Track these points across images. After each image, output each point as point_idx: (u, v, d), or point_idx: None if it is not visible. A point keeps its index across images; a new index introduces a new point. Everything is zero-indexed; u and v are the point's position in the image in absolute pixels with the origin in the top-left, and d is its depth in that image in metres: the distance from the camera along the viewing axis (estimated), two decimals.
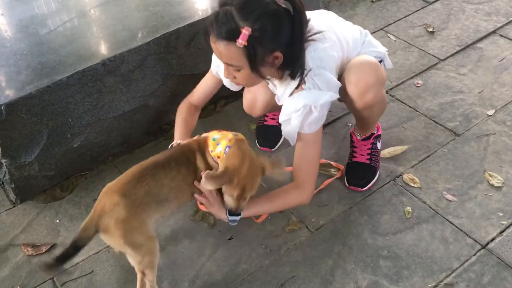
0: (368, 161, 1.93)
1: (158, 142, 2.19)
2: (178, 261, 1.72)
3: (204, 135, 1.62)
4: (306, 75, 1.52)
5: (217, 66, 1.77)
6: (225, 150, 1.51)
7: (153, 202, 1.47)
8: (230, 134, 1.56)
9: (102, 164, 2.10)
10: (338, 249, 1.72)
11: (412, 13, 2.87)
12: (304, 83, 1.53)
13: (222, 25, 1.39)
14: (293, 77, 1.54)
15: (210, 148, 1.55)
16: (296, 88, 1.56)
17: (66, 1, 2.25)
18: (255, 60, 1.43)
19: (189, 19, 2.07)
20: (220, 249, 1.75)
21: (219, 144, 1.52)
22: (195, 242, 1.78)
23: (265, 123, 2.14)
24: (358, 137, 1.93)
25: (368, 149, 1.94)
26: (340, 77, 1.66)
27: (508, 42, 2.60)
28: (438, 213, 1.80)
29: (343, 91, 1.64)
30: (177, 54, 2.06)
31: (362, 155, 1.94)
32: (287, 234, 1.78)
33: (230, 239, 1.78)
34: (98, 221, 1.39)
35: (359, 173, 1.92)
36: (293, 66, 1.51)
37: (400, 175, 1.95)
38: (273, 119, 2.12)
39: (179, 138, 1.79)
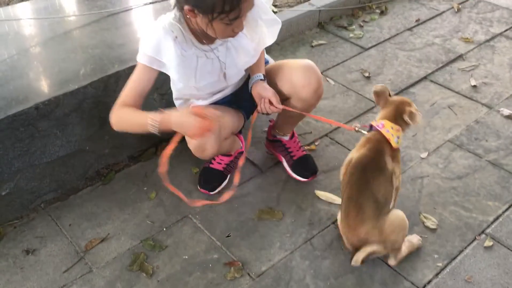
0: (306, 152, 2.16)
1: (95, 188, 2.11)
2: None
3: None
4: None
5: (157, 52, 1.65)
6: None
7: None
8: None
9: (33, 211, 1.99)
10: None
11: (349, 58, 2.99)
12: None
13: None
14: None
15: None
16: None
17: None
18: None
19: (129, 62, 2.05)
20: None
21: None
22: None
23: (211, 165, 2.12)
24: (287, 138, 2.14)
25: (298, 143, 2.16)
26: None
27: (438, 87, 2.76)
28: (378, 257, 1.82)
29: (294, 94, 1.89)
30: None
31: (298, 150, 2.14)
32: (229, 282, 1.75)
33: None
34: None
35: (307, 166, 2.12)
36: None
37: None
38: (219, 163, 2.10)
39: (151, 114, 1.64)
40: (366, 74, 2.84)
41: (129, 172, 2.19)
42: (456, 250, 1.85)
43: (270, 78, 1.93)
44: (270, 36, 1.89)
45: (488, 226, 1.94)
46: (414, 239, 1.83)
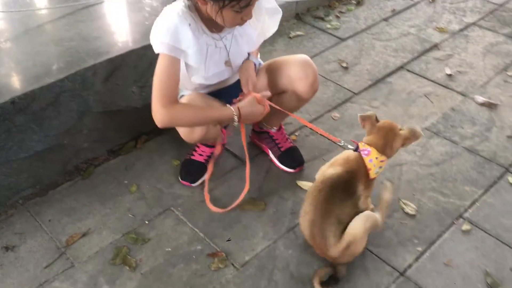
0: (293, 144, 2.19)
1: (74, 182, 2.08)
2: None
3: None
4: None
5: (175, 39, 1.61)
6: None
7: None
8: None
9: (12, 208, 1.95)
10: (264, 284, 1.71)
11: (327, 49, 3.01)
12: None
13: None
14: None
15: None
16: None
17: None
18: None
19: (106, 54, 2.02)
20: None
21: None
22: (115, 286, 1.69)
23: (192, 157, 2.11)
24: (274, 130, 2.16)
25: (285, 134, 2.18)
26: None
27: (415, 76, 2.80)
28: None
29: (290, 87, 1.92)
30: (94, 90, 1.99)
31: (285, 142, 2.16)
32: (213, 273, 1.75)
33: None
34: None
35: (294, 157, 2.15)
36: None
37: None
38: (201, 155, 2.10)
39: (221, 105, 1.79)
40: (344, 65, 2.87)
41: (109, 166, 2.17)
42: (435, 234, 1.89)
43: (269, 74, 1.94)
44: (272, 25, 1.89)
45: (466, 211, 1.99)
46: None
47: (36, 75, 1.89)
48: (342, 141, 1.83)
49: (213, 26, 1.72)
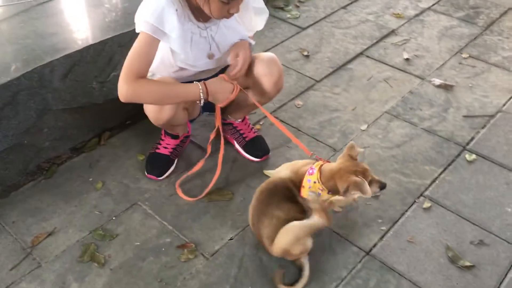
0: (257, 133, 2.22)
1: (37, 182, 2.05)
2: None
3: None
4: None
5: (159, 21, 1.62)
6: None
7: None
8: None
9: None
10: (235, 272, 1.73)
11: (287, 39, 3.04)
12: None
13: None
14: None
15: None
16: None
17: None
18: None
19: (64, 50, 1.99)
20: None
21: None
22: (84, 284, 1.68)
23: (157, 151, 2.10)
24: (239, 121, 2.18)
25: (249, 125, 2.22)
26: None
27: (374, 62, 2.86)
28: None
29: (255, 83, 1.93)
30: (52, 88, 1.96)
31: (249, 132, 2.19)
32: (183, 264, 1.76)
33: None
34: None
35: (259, 146, 2.17)
36: None
37: None
38: (165, 147, 2.09)
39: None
40: (305, 53, 2.90)
41: (72, 164, 2.14)
42: (398, 213, 1.95)
43: None
44: (258, 23, 1.92)
45: (426, 189, 2.06)
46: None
47: None
48: (313, 154, 1.84)
49: (199, 15, 1.74)
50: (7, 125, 1.86)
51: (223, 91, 1.80)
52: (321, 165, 1.74)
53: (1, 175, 1.95)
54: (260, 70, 1.91)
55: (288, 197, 1.72)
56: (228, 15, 1.68)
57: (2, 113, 1.83)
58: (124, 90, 1.67)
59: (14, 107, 1.86)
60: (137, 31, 1.67)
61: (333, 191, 1.70)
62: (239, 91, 1.84)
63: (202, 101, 1.78)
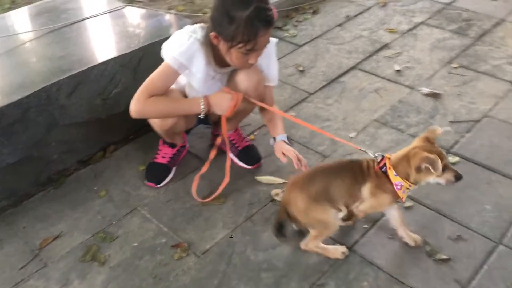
0: (250, 142, 2.35)
1: (47, 192, 2.23)
2: None
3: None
4: None
5: (189, 61, 1.87)
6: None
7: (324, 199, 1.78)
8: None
9: None
10: (223, 268, 1.86)
11: (284, 56, 3.21)
12: None
13: (270, 15, 1.74)
14: None
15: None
16: None
17: None
18: None
19: (69, 71, 2.19)
20: (110, 285, 1.82)
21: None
22: (85, 281, 1.83)
23: (156, 160, 2.27)
24: (230, 132, 2.29)
25: (242, 134, 2.36)
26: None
27: (366, 74, 3.00)
28: None
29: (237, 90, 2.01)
30: (59, 105, 2.16)
31: (242, 141, 2.33)
32: (176, 261, 1.90)
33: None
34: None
35: (252, 154, 2.31)
36: None
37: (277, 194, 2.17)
38: (163, 157, 2.26)
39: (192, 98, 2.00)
40: (300, 68, 3.06)
41: (79, 176, 2.32)
42: (380, 213, 2.05)
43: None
44: (272, 79, 2.15)
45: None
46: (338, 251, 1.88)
47: (3, 93, 2.06)
48: (363, 149, 1.89)
49: (220, 61, 1.95)
50: (17, 139, 2.06)
51: (222, 102, 1.96)
52: (388, 158, 1.75)
53: (15, 186, 2.14)
54: (240, 78, 2.03)
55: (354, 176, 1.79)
56: (248, 65, 1.88)
57: (13, 129, 2.03)
58: (135, 107, 1.90)
59: (24, 123, 2.06)
60: (164, 61, 1.89)
61: (405, 175, 1.71)
62: (242, 99, 1.98)
63: (203, 114, 1.96)
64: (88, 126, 2.30)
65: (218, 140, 2.19)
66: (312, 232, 1.85)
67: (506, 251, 1.87)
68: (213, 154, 2.18)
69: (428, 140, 1.74)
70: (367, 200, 1.78)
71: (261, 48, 1.83)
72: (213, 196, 2.12)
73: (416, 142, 1.76)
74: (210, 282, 1.81)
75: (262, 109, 2.18)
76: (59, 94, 2.14)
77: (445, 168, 1.68)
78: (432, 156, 1.64)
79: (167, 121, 2.04)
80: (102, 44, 2.47)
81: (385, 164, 1.75)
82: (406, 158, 1.71)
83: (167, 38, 1.94)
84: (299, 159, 2.03)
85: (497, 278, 1.77)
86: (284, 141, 2.11)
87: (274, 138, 2.14)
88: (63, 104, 2.17)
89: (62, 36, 2.51)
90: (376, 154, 1.80)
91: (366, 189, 1.77)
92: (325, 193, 1.78)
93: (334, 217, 1.82)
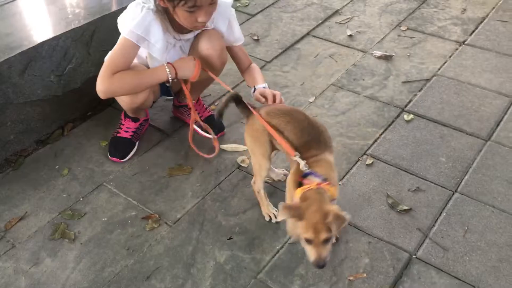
0: (212, 112, 2.37)
1: (5, 174, 2.16)
2: (42, 280, 1.74)
3: None
4: None
5: (146, 32, 1.83)
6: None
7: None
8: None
9: None
10: (196, 235, 1.89)
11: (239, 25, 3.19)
12: None
13: None
14: None
15: None
16: None
17: None
18: None
19: (19, 48, 2.10)
20: (83, 260, 1.80)
21: None
22: (57, 259, 1.81)
23: (118, 135, 2.24)
24: (193, 102, 2.23)
25: (203, 105, 2.38)
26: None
27: (320, 41, 3.05)
28: (278, 188, 2.06)
29: (200, 60, 1.98)
30: (11, 83, 2.07)
31: (204, 111, 2.35)
32: (148, 232, 1.90)
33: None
34: None
35: (214, 124, 2.24)
36: None
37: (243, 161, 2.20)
38: (126, 131, 2.23)
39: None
40: (255, 38, 3.07)
41: (38, 155, 2.26)
42: (344, 171, 2.14)
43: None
44: (238, 38, 2.13)
45: (369, 148, 2.25)
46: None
47: None
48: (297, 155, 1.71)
49: (179, 27, 1.91)
50: None
51: (187, 64, 1.95)
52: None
53: None
54: (203, 45, 2.02)
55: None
56: (199, 24, 1.83)
57: None
58: (102, 87, 1.86)
59: None
60: (122, 35, 1.85)
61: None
62: (200, 72, 1.98)
63: (170, 80, 1.94)
64: (44, 104, 2.23)
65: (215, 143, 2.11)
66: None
67: (462, 198, 2.00)
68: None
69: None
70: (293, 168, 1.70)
71: (204, 3, 1.77)
72: (216, 152, 2.07)
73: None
74: (184, 249, 1.83)
75: (239, 67, 2.20)
76: (10, 72, 2.06)
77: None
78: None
79: (137, 98, 2.01)
80: (51, 19, 2.37)
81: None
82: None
83: (119, 11, 1.90)
84: (274, 96, 1.95)
85: (454, 224, 1.89)
86: (264, 88, 2.08)
87: (254, 88, 2.10)
88: (16, 82, 2.09)
89: (6, 12, 2.39)
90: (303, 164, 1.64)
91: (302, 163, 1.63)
92: (280, 132, 1.72)
93: (268, 162, 1.82)
